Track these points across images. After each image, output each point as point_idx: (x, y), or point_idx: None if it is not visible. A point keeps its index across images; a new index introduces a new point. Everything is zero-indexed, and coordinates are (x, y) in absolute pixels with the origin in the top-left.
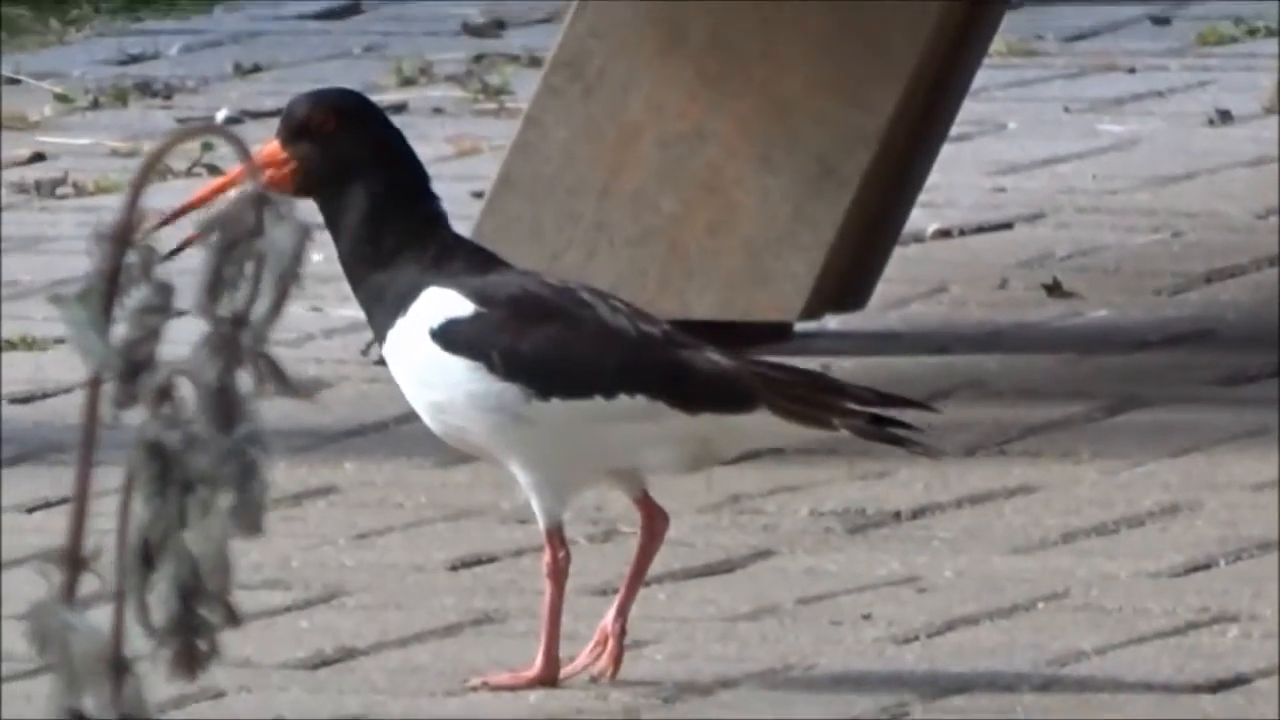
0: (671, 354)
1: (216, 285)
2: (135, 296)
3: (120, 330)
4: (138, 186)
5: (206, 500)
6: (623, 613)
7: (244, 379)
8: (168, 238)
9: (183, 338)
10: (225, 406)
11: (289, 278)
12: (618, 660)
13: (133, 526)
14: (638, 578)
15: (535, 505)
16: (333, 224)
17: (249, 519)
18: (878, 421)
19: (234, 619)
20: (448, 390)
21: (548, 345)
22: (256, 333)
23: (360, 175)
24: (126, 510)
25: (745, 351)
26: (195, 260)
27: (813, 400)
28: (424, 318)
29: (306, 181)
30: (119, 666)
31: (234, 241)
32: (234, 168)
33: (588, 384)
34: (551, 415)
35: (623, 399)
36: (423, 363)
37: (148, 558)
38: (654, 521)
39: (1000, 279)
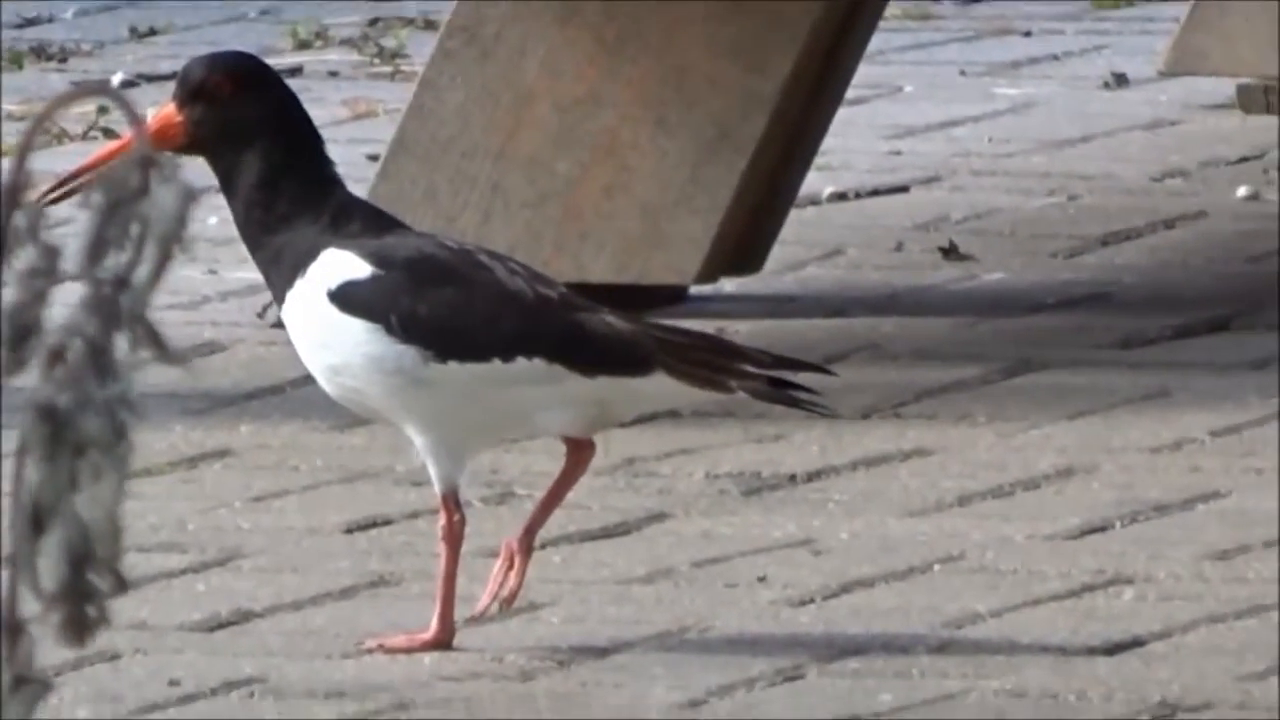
0: (568, 317)
1: (98, 246)
2: (22, 259)
3: (7, 293)
4: (24, 148)
5: (97, 465)
6: (531, 532)
7: (122, 343)
8: (60, 202)
9: (72, 300)
10: (101, 369)
11: (172, 240)
12: (521, 580)
13: (24, 490)
14: (555, 499)
15: (431, 469)
16: (228, 187)
17: (117, 487)
18: (774, 384)
19: (123, 586)
20: (345, 352)
21: (446, 307)
22: (137, 296)
23: (256, 138)
24: (19, 474)
25: (641, 314)
26: (82, 214)
27: (709, 363)
28: (322, 279)
29: (202, 145)
30: (12, 629)
31: (118, 202)
32: (128, 131)
33: (485, 346)
34: (449, 378)
35: (520, 361)
36: (320, 324)
37: (38, 522)
38: (580, 448)
39: (896, 242)
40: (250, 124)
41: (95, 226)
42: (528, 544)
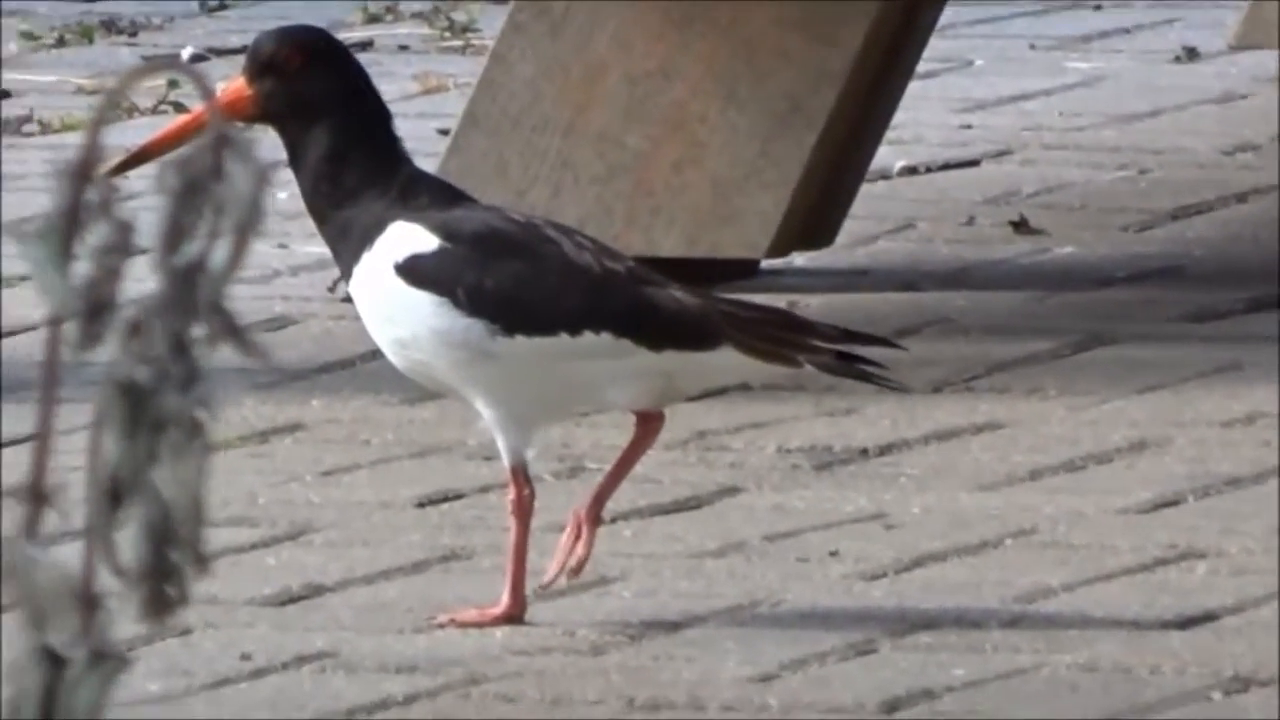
0: (636, 290)
1: (174, 232)
2: (96, 234)
3: (81, 268)
4: (97, 123)
5: (179, 444)
6: (599, 502)
7: (199, 330)
8: (131, 176)
9: (144, 275)
10: (181, 358)
11: (248, 226)
12: (589, 550)
13: (101, 465)
14: (624, 468)
15: (500, 442)
16: (297, 161)
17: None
18: (843, 358)
19: (205, 565)
20: (412, 326)
21: (513, 281)
22: (215, 284)
23: (324, 112)
24: (96, 448)
25: (712, 289)
26: (157, 198)
27: (778, 337)
28: (389, 253)
29: (271, 118)
30: (87, 601)
31: (193, 185)
32: (198, 106)
33: (552, 320)
34: (516, 351)
35: (587, 335)
36: (387, 298)
37: (116, 497)
38: (649, 420)
39: (967, 216)
40: (319, 98)
41: (171, 211)
42: (595, 514)
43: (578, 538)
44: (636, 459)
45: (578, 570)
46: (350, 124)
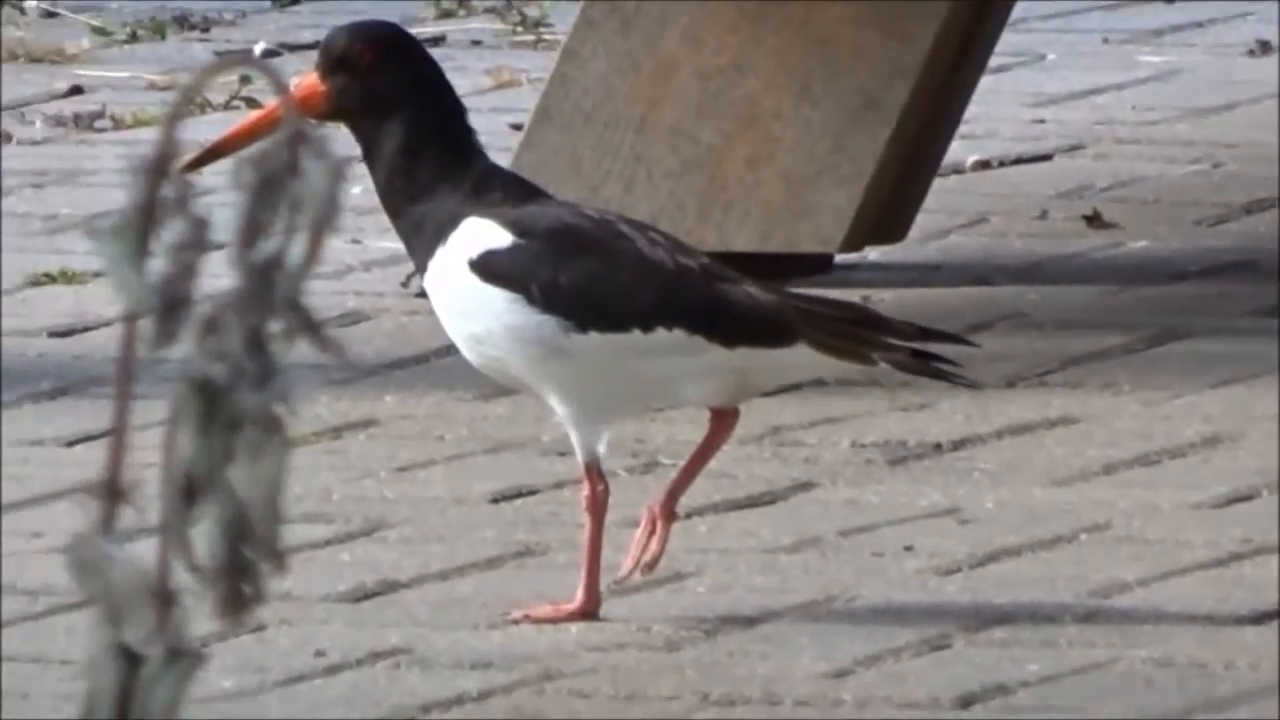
0: (710, 287)
1: (251, 229)
2: (171, 231)
3: (157, 265)
4: (173, 119)
5: (256, 442)
6: (673, 497)
7: (276, 327)
8: (205, 172)
9: (220, 271)
10: (258, 355)
11: (325, 222)
12: (664, 545)
13: (176, 461)
14: (698, 463)
15: (574, 438)
16: (370, 156)
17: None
18: (917, 355)
19: (282, 564)
20: (486, 322)
21: (586, 277)
22: (292, 281)
23: (397, 107)
24: (171, 445)
25: (785, 284)
26: (232, 194)
27: (852, 334)
28: (463, 248)
29: (344, 114)
30: (163, 598)
31: (269, 182)
32: (271, 101)
33: (625, 317)
34: (589, 348)
35: (660, 332)
36: (462, 294)
37: (191, 494)
38: (724, 415)
39: (1040, 210)
40: (392, 93)
41: (248, 208)
42: (670, 509)
43: (652, 533)
44: (711, 454)
45: (652, 565)
46: (423, 119)
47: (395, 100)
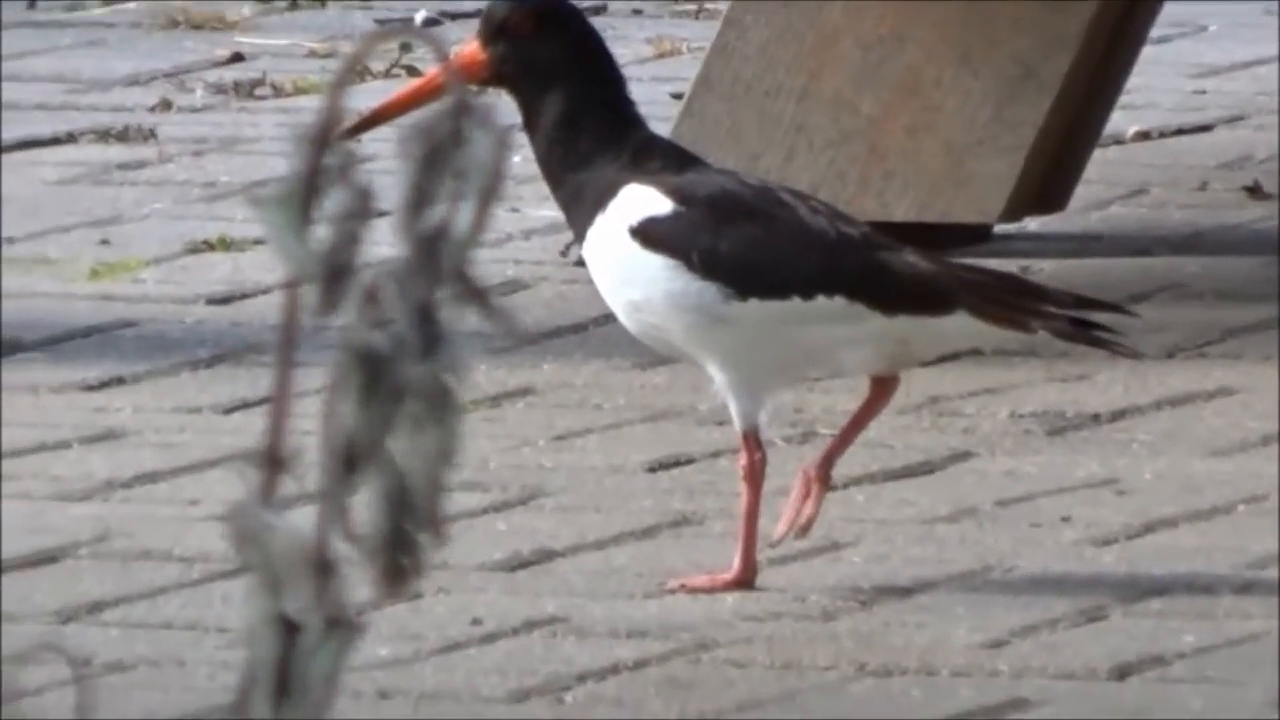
0: (870, 255)
1: (417, 199)
2: (334, 200)
3: (320, 233)
4: (337, 88)
5: (419, 415)
6: (829, 461)
7: (444, 296)
8: (366, 140)
9: (382, 239)
10: (426, 326)
11: (490, 191)
12: (818, 508)
13: (337, 431)
14: (856, 429)
15: (732, 406)
16: (530, 125)
17: (444, 449)
18: (1076, 324)
19: (442, 538)
20: (645, 288)
21: (747, 245)
22: (458, 249)
23: (557, 77)
24: (332, 414)
25: (945, 253)
26: (395, 163)
27: (1011, 303)
28: (623, 215)
29: (505, 82)
30: (322, 567)
31: (435, 152)
32: (432, 69)
33: (786, 284)
34: (749, 315)
35: (821, 300)
36: (621, 261)
37: (351, 464)
38: (884, 382)
39: (1200, 181)
40: (552, 62)
41: (413, 177)
42: (825, 473)
43: (806, 496)
44: (868, 421)
45: (806, 529)
46: (583, 88)
47: (554, 69)
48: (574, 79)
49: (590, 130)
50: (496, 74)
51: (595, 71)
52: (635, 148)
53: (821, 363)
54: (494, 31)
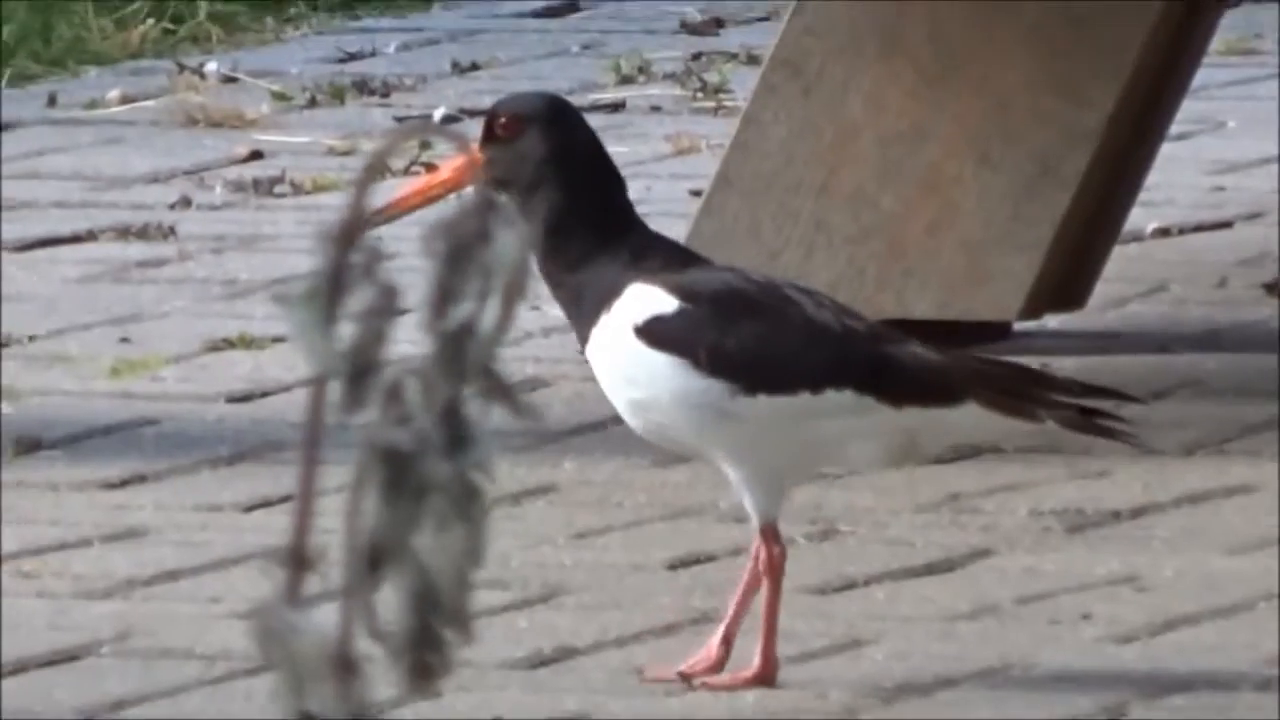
0: (877, 348)
1: (443, 296)
2: (360, 297)
3: (345, 331)
4: (362, 185)
5: (444, 512)
6: (728, 641)
7: (470, 394)
8: (385, 233)
9: (406, 337)
10: (452, 424)
11: (516, 288)
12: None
13: (361, 529)
14: (744, 608)
15: (747, 502)
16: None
17: (472, 548)
18: (1085, 413)
19: (469, 635)
20: (652, 387)
21: (753, 341)
22: (485, 347)
23: (544, 179)
24: (355, 512)
25: (963, 350)
26: (418, 260)
27: (1020, 392)
28: (628, 315)
29: (498, 184)
30: (345, 666)
31: (460, 250)
32: (442, 165)
33: (794, 379)
34: (758, 411)
35: (829, 394)
36: (626, 360)
37: (375, 562)
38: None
39: (1220, 278)
40: (540, 163)
41: (439, 275)
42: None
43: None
44: (750, 601)
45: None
46: (575, 189)
47: (540, 171)
48: (564, 180)
49: (587, 231)
50: (491, 176)
51: (587, 171)
52: (635, 247)
53: (832, 457)
54: (486, 133)
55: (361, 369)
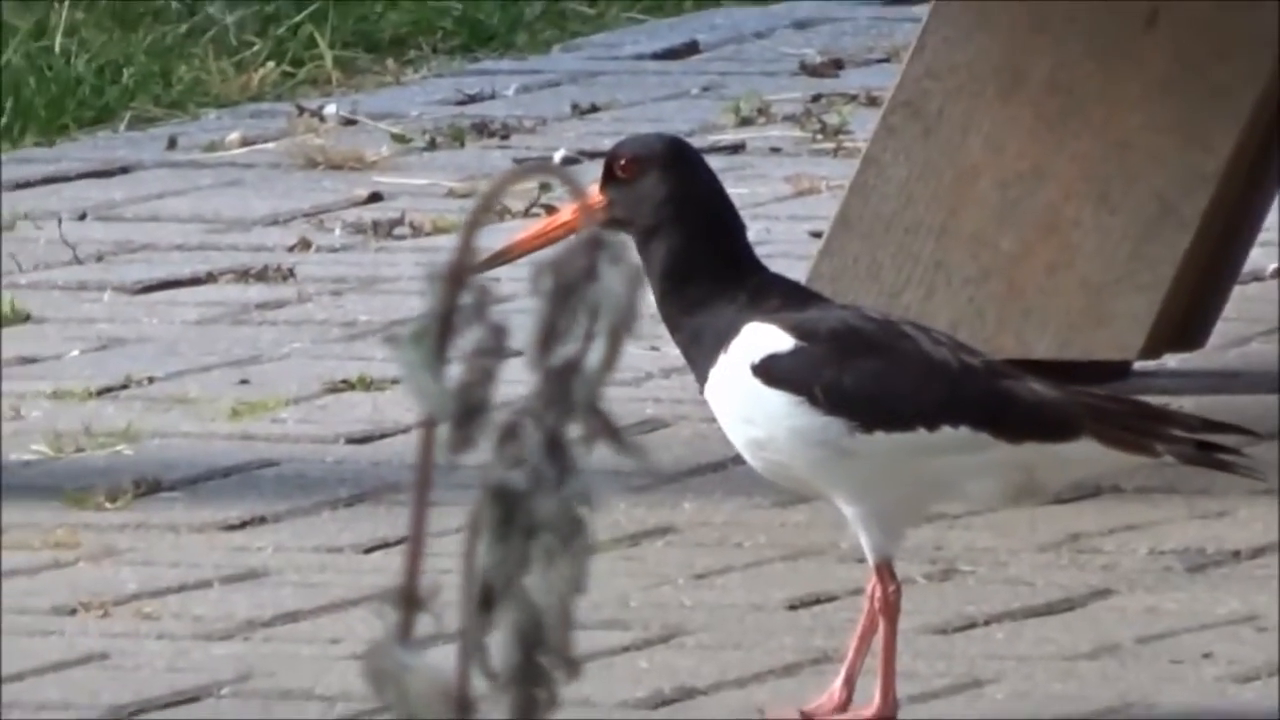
0: (994, 384)
1: (549, 334)
2: (470, 337)
3: (455, 371)
4: (472, 226)
5: (551, 548)
6: (849, 683)
7: (575, 430)
8: (502, 278)
9: (517, 377)
10: (557, 458)
11: (623, 326)
12: None
13: (475, 569)
14: (864, 647)
15: (863, 539)
16: (647, 269)
17: (574, 577)
18: (1202, 448)
19: (575, 670)
20: (769, 425)
21: (870, 378)
22: (590, 384)
23: (664, 220)
24: (471, 552)
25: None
26: (529, 301)
27: (1137, 427)
28: (745, 354)
29: (618, 225)
30: (463, 706)
31: (567, 287)
32: (562, 208)
33: (911, 416)
34: (875, 448)
35: (946, 430)
36: (744, 399)
37: (488, 601)
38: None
39: None
40: (659, 204)
41: (546, 312)
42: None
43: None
44: (870, 640)
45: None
46: (694, 230)
47: (659, 212)
48: (683, 221)
49: (704, 272)
50: (611, 216)
51: (706, 213)
52: (753, 288)
53: (949, 493)
54: (607, 174)
55: (470, 409)
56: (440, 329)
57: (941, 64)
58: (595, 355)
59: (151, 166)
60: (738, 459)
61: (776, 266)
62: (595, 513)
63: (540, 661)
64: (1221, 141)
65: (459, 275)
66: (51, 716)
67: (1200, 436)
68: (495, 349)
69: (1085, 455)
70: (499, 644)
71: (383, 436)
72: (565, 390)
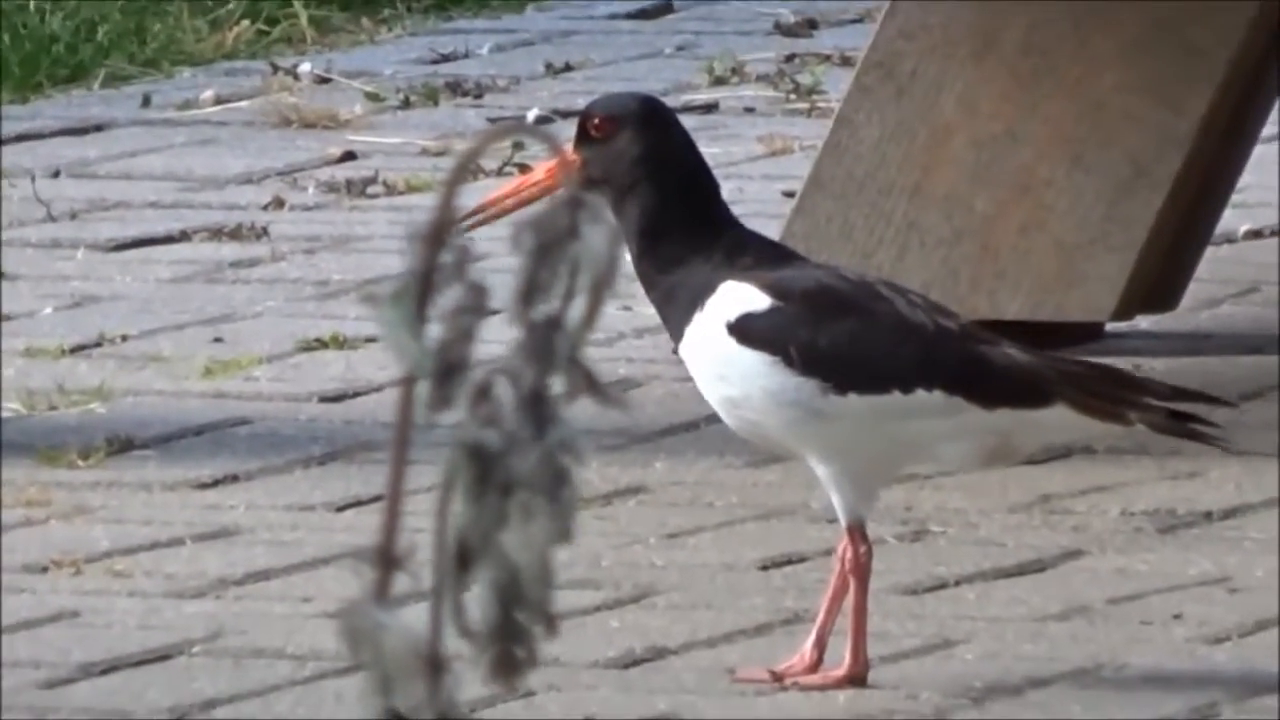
0: (969, 349)
1: (531, 290)
2: (449, 296)
3: (434, 330)
4: (452, 185)
5: (528, 505)
6: (820, 643)
7: (557, 384)
8: (479, 237)
9: (496, 337)
10: (538, 412)
11: (604, 283)
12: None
13: (450, 527)
14: (835, 607)
15: (835, 500)
16: (622, 228)
17: (560, 528)
18: (1175, 416)
19: (554, 628)
20: (744, 384)
21: (846, 339)
22: (571, 339)
23: (638, 179)
24: (444, 511)
25: (1056, 351)
26: (508, 260)
27: (1110, 395)
28: (721, 312)
29: (593, 184)
30: (435, 665)
31: (548, 245)
32: (536, 166)
33: (885, 378)
34: (848, 410)
35: (920, 394)
36: (719, 357)
37: (464, 560)
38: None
39: None
40: (633, 163)
41: (527, 269)
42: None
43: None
44: (841, 601)
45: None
46: (668, 188)
47: (634, 172)
48: (657, 179)
49: (679, 230)
50: (585, 176)
51: (680, 171)
52: (728, 245)
53: (921, 457)
54: (580, 133)
55: (449, 368)
56: (420, 287)
57: (915, 24)
58: (576, 311)
59: (126, 124)
60: (710, 418)
61: (749, 226)
62: (579, 464)
63: (519, 619)
64: (1195, 103)
65: (439, 234)
66: (23, 674)
67: (1172, 405)
68: (475, 307)
69: (1059, 422)
70: (477, 601)
71: (355, 395)
72: (548, 344)
